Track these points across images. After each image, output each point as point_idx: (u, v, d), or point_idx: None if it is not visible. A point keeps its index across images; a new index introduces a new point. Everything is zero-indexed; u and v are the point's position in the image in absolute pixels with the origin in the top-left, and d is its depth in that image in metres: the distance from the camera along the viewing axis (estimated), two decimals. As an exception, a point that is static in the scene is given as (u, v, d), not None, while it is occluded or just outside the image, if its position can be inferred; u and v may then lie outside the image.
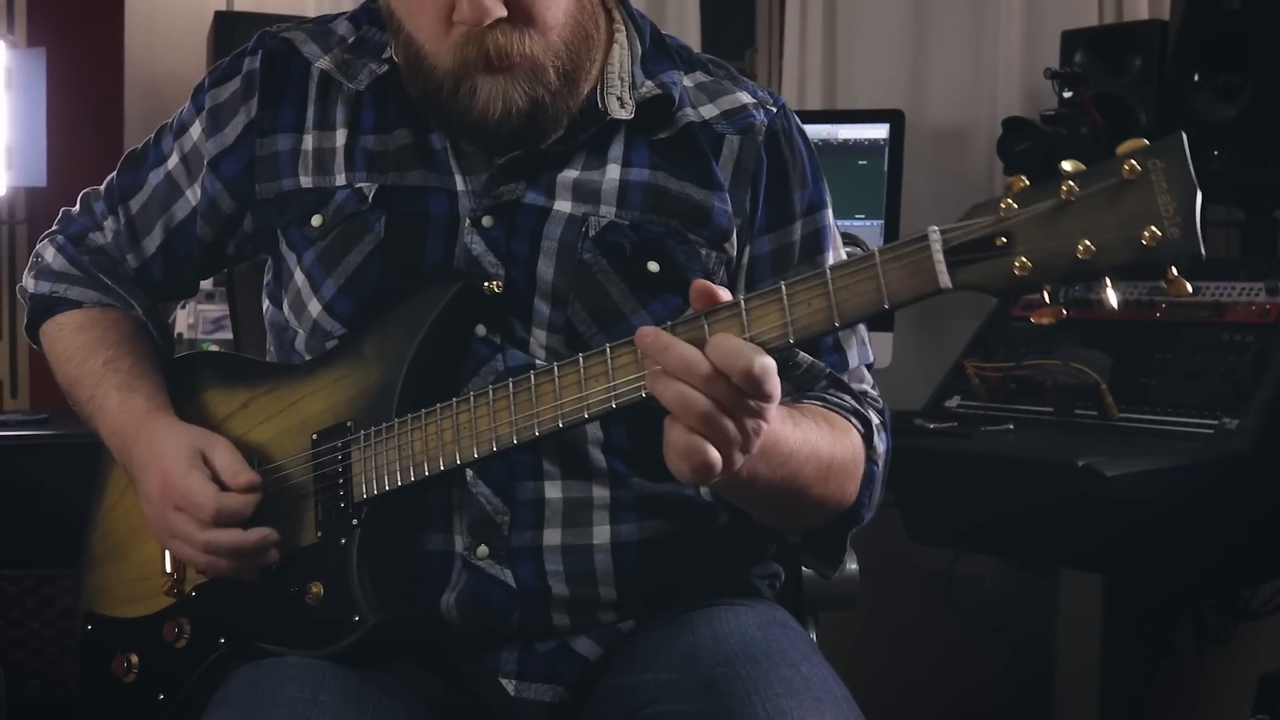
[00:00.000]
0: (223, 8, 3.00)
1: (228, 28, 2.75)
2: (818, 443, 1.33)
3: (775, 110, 1.51)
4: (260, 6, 2.98)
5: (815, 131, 2.70)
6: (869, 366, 1.52)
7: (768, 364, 1.14)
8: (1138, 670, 2.58)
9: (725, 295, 1.19)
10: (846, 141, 2.70)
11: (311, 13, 2.96)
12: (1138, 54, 2.61)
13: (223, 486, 1.37)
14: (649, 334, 1.17)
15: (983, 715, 2.90)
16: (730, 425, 1.15)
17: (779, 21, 3.24)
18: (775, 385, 1.15)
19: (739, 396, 1.14)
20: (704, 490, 1.44)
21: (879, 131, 2.67)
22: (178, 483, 1.37)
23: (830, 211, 1.53)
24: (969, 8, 2.96)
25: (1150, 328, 2.34)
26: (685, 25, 3.12)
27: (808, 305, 1.15)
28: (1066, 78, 2.60)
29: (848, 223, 2.67)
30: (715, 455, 1.15)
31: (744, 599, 1.45)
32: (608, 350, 1.23)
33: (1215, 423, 2.15)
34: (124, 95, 2.98)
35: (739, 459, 1.18)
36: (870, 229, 2.66)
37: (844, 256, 1.53)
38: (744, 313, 1.17)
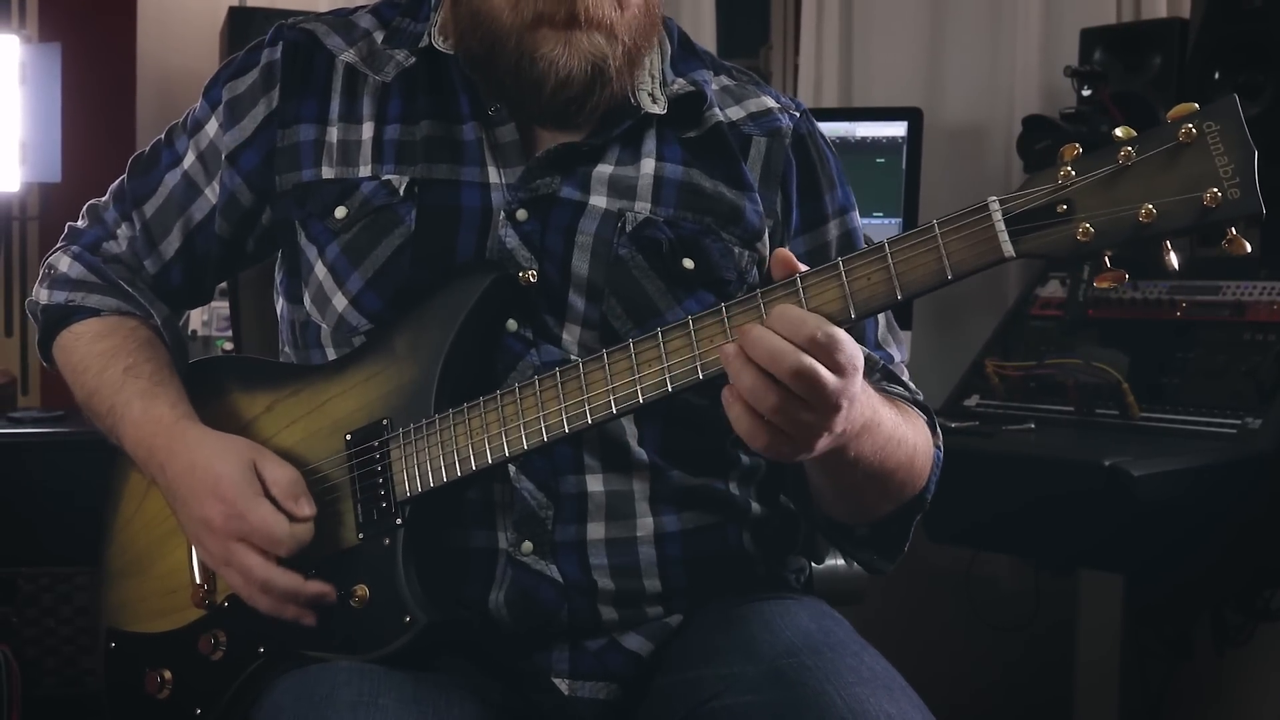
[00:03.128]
0: (236, 3, 2.99)
1: (241, 22, 2.75)
2: (903, 427, 1.34)
3: (798, 115, 1.53)
4: (273, 2, 2.97)
5: (832, 129, 2.70)
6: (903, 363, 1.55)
7: (833, 332, 1.13)
8: (1157, 671, 2.57)
9: (804, 266, 1.19)
10: (864, 139, 2.69)
11: (324, 8, 2.95)
12: (1157, 52, 2.60)
13: (278, 506, 1.34)
14: (752, 330, 1.16)
15: (1000, 716, 2.89)
16: (806, 407, 1.15)
17: (794, 19, 3.24)
18: (847, 354, 1.14)
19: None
20: (733, 485, 1.45)
21: (897, 129, 2.67)
22: (248, 515, 1.33)
23: (858, 214, 1.55)
24: (987, 5, 2.95)
25: (1170, 327, 2.34)
26: (700, 22, 3.12)
27: (868, 279, 1.16)
28: (1086, 76, 2.59)
29: (865, 220, 2.64)
30: (784, 441, 1.17)
31: (781, 592, 1.46)
32: (659, 335, 1.23)
33: (1238, 422, 2.14)
34: (137, 90, 2.98)
35: (826, 434, 1.18)
36: (888, 227, 2.65)
37: None
38: (801, 289, 1.18)
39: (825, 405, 1.16)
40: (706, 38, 3.11)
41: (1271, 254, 2.46)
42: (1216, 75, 2.47)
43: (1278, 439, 2.10)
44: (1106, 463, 1.91)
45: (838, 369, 1.15)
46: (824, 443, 1.19)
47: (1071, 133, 2.52)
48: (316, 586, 1.33)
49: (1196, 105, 1.10)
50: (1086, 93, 2.59)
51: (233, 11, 2.83)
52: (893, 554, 1.47)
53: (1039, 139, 2.58)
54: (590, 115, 1.42)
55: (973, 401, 2.43)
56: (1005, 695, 2.87)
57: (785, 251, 1.20)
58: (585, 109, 1.41)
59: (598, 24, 1.37)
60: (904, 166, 2.65)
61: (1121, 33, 2.68)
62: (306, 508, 1.35)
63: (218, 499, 1.35)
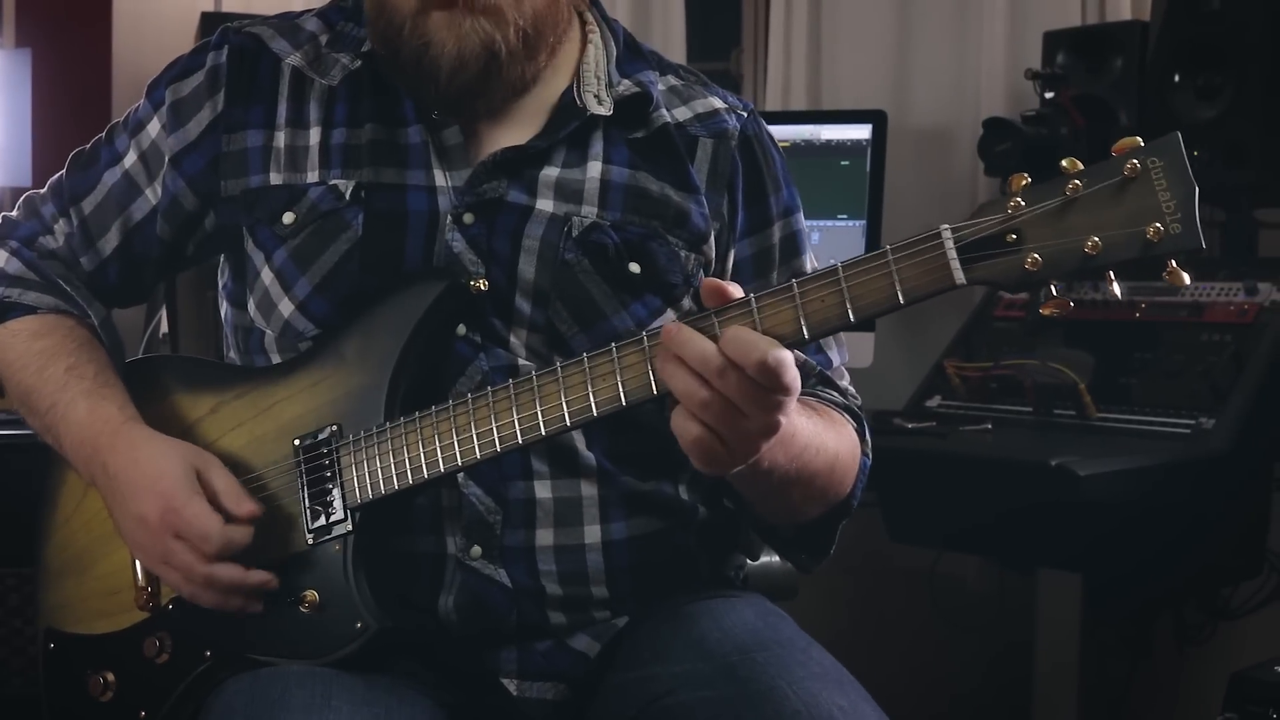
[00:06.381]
0: (210, 9, 3.01)
1: (214, 27, 2.72)
2: (824, 435, 1.35)
3: (746, 115, 1.53)
4: (248, 7, 2.99)
5: (798, 132, 2.72)
6: (844, 365, 1.55)
7: (783, 356, 1.15)
8: (1117, 669, 2.58)
9: (736, 292, 1.20)
10: (829, 142, 2.70)
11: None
12: (1119, 54, 2.61)
13: (222, 511, 1.34)
14: (671, 329, 1.19)
15: (963, 713, 2.90)
16: (744, 418, 1.17)
17: (764, 21, 3.25)
18: (793, 377, 1.16)
19: (754, 389, 1.15)
20: (682, 488, 1.46)
21: (861, 132, 2.68)
22: (182, 510, 1.33)
23: (802, 215, 1.55)
24: (952, 8, 2.96)
25: (1130, 328, 2.35)
26: (670, 25, 3.13)
27: (822, 302, 1.18)
28: (1047, 78, 2.61)
29: (830, 223, 2.68)
30: (720, 446, 1.18)
31: (725, 590, 1.48)
32: (614, 349, 1.24)
33: (1192, 422, 2.15)
34: (111, 95, 2.99)
35: (752, 451, 1.20)
36: (852, 229, 2.66)
37: (813, 259, 1.56)
38: (756, 310, 1.19)
39: (768, 426, 1.18)
40: (677, 40, 3.13)
41: (1231, 255, 2.48)
42: (1176, 77, 2.48)
43: (1231, 439, 2.11)
44: (1053, 463, 1.92)
45: (784, 390, 1.16)
46: (755, 457, 1.21)
47: (1031, 135, 2.54)
48: (259, 576, 1.34)
49: (1140, 140, 1.13)
50: (1048, 95, 2.61)
51: (205, 17, 2.85)
52: (819, 554, 1.49)
53: (1000, 141, 2.58)
54: (492, 101, 1.43)
55: (934, 402, 2.45)
56: (968, 692, 2.89)
57: (715, 280, 1.21)
58: (484, 95, 1.42)
59: (482, 7, 1.37)
60: (868, 169, 2.66)
61: (1084, 35, 2.69)
62: (248, 505, 1.35)
63: (156, 494, 1.34)
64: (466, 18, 1.37)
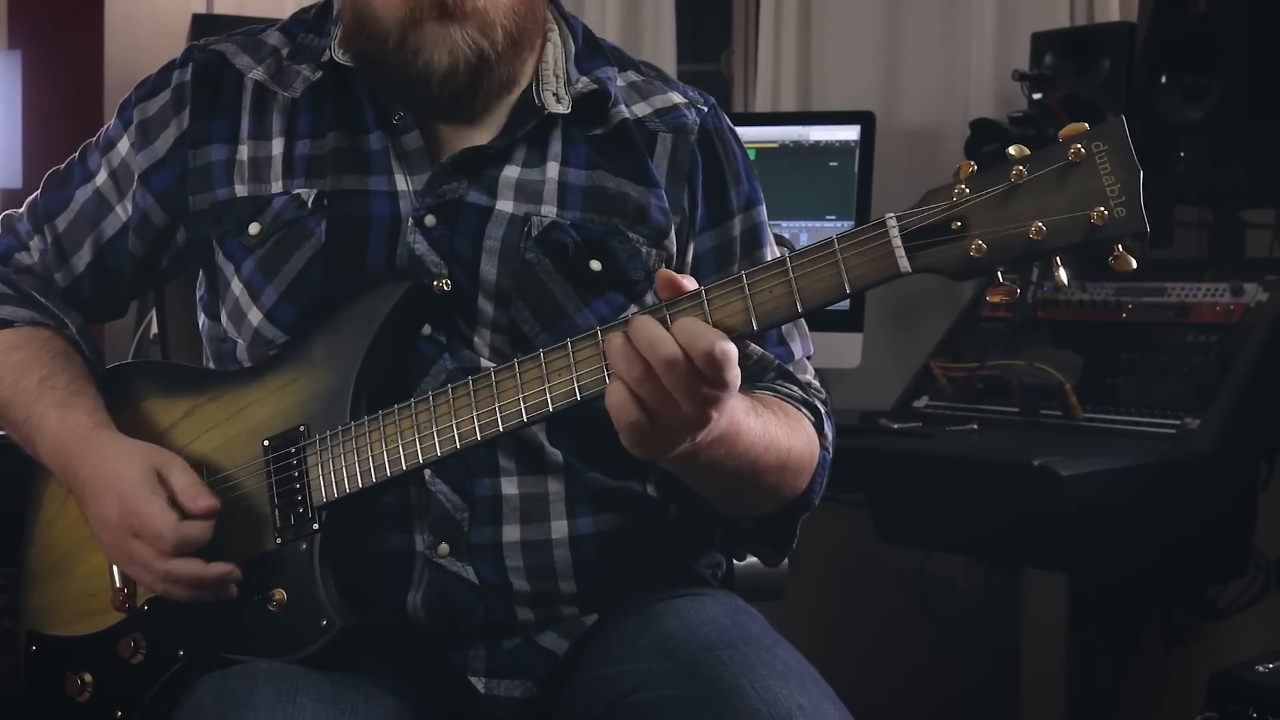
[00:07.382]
0: (201, 10, 3.02)
1: (205, 29, 2.76)
2: (776, 432, 1.36)
3: (706, 109, 1.54)
4: (239, 9, 3.00)
5: (787, 133, 2.73)
6: (809, 358, 1.56)
7: (729, 349, 1.16)
8: (1104, 668, 2.59)
9: (690, 284, 1.21)
10: (818, 143, 2.71)
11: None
12: (1106, 55, 2.61)
13: (181, 509, 1.36)
14: (635, 320, 1.19)
15: (952, 712, 2.91)
16: (676, 405, 1.18)
17: (754, 23, 3.25)
18: (735, 373, 1.17)
19: (694, 379, 1.16)
20: (651, 486, 1.47)
21: (850, 133, 2.68)
22: (138, 509, 1.35)
23: (764, 208, 1.56)
24: (941, 10, 2.97)
25: (1117, 328, 2.36)
26: (661, 27, 3.14)
27: (770, 293, 1.19)
28: (1035, 79, 2.61)
29: (818, 224, 2.69)
30: (650, 428, 1.19)
31: (697, 588, 1.48)
32: (569, 345, 1.25)
33: (1177, 423, 2.16)
34: (103, 98, 3.00)
35: (676, 442, 1.21)
36: (841, 230, 2.66)
37: (775, 252, 1.57)
38: (706, 301, 1.20)
39: (699, 419, 1.19)
40: (666, 42, 3.13)
41: (1217, 256, 2.49)
42: (1163, 78, 2.49)
43: (1216, 439, 2.12)
44: (1036, 463, 1.92)
45: (723, 385, 1.17)
46: (684, 446, 1.22)
47: (1019, 136, 2.54)
48: (220, 568, 1.35)
49: (1086, 125, 1.13)
50: (1036, 96, 2.61)
51: (197, 19, 2.85)
52: (781, 549, 1.50)
53: (987, 142, 2.59)
54: (483, 102, 1.44)
55: (922, 403, 2.45)
56: (959, 694, 2.89)
57: (668, 272, 1.22)
58: (476, 98, 1.44)
59: (471, 13, 1.39)
60: (856, 170, 2.67)
61: (1071, 36, 2.69)
62: (204, 501, 1.36)
63: (115, 495, 1.37)
64: (457, 29, 1.39)
